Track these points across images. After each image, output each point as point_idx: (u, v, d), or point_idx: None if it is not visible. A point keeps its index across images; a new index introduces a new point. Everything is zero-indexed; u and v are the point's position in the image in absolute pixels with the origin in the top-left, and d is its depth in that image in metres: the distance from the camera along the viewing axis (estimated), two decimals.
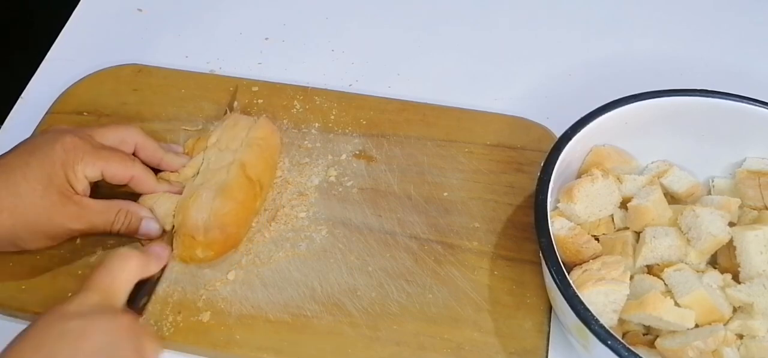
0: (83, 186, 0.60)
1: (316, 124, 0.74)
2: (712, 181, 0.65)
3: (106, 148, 0.63)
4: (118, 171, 0.62)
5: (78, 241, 0.64)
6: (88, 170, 0.60)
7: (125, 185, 0.64)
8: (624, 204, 0.62)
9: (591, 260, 0.57)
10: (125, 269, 0.55)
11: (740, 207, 0.61)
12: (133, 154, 0.65)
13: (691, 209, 0.58)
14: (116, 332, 0.50)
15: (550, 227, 0.55)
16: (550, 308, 0.60)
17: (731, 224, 0.59)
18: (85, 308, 0.51)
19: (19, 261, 0.63)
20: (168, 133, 0.73)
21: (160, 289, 0.62)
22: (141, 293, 0.58)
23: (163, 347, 0.58)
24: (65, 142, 0.60)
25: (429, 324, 0.60)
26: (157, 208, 0.64)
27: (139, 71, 0.79)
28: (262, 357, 0.59)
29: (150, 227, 0.63)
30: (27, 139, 0.63)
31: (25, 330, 0.49)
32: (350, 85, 0.78)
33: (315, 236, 0.65)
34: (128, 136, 0.65)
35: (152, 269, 0.59)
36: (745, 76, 0.78)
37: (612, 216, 0.62)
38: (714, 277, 0.57)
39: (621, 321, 0.56)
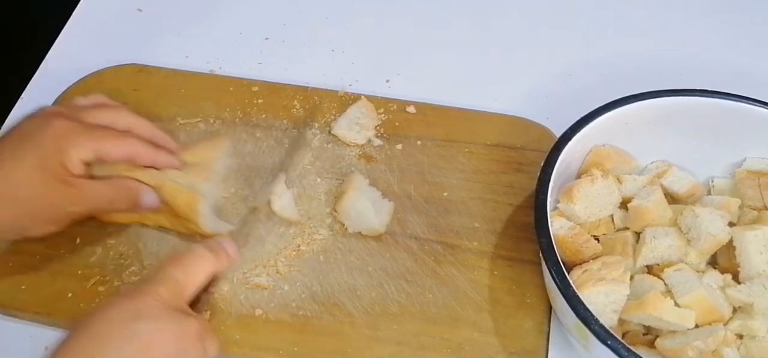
0: (79, 169, 0.58)
1: (316, 125, 0.74)
2: (712, 181, 0.65)
3: (99, 128, 0.60)
4: (113, 149, 0.59)
5: (78, 240, 0.65)
6: (82, 153, 0.58)
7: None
8: (624, 204, 0.62)
9: (591, 260, 0.57)
10: (200, 267, 0.53)
11: (740, 207, 0.61)
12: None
13: (691, 209, 0.58)
14: (186, 338, 0.49)
15: (550, 227, 0.55)
16: (550, 308, 0.60)
17: (731, 224, 0.59)
18: (156, 307, 0.49)
19: (19, 261, 0.63)
20: (168, 133, 0.72)
21: None
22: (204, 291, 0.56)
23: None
24: (55, 127, 0.58)
25: (429, 324, 0.60)
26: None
27: (139, 71, 0.79)
28: (262, 357, 0.59)
29: (151, 198, 0.62)
30: (14, 125, 0.60)
31: (90, 318, 0.48)
32: (350, 85, 0.78)
33: (315, 236, 0.65)
34: (119, 118, 0.62)
35: (224, 267, 0.56)
36: (745, 76, 0.78)
37: (612, 216, 0.62)
38: (714, 277, 0.57)
39: (621, 321, 0.56)
